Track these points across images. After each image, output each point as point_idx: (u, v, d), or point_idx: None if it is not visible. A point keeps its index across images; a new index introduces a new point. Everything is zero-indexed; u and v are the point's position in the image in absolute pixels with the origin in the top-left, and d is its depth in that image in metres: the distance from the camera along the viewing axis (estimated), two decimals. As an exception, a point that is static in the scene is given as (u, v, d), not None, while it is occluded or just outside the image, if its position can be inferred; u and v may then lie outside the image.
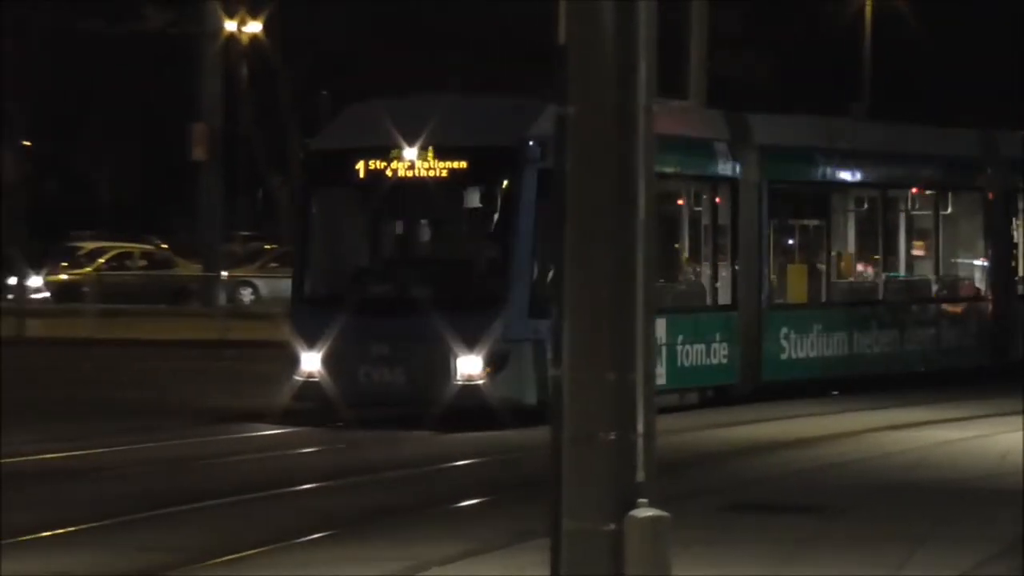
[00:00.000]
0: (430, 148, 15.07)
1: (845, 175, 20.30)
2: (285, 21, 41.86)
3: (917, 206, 21.91)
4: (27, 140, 52.51)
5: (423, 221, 16.49)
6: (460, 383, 14.51)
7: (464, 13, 43.68)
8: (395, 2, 45.13)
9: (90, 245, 46.26)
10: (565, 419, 4.56)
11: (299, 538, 9.88)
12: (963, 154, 22.57)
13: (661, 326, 15.45)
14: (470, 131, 15.45)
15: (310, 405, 15.76)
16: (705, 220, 18.16)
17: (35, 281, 40.97)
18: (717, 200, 18.08)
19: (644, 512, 4.49)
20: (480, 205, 15.82)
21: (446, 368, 14.54)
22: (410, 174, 15.11)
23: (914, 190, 21.58)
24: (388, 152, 15.21)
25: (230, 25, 37.43)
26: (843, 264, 20.69)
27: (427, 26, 44.97)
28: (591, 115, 4.54)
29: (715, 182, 18.01)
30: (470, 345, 14.40)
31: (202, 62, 38.70)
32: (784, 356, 18.70)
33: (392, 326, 14.90)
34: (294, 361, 15.26)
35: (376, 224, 16.43)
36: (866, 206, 20.87)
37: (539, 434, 15.33)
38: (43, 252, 46.10)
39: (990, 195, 22.44)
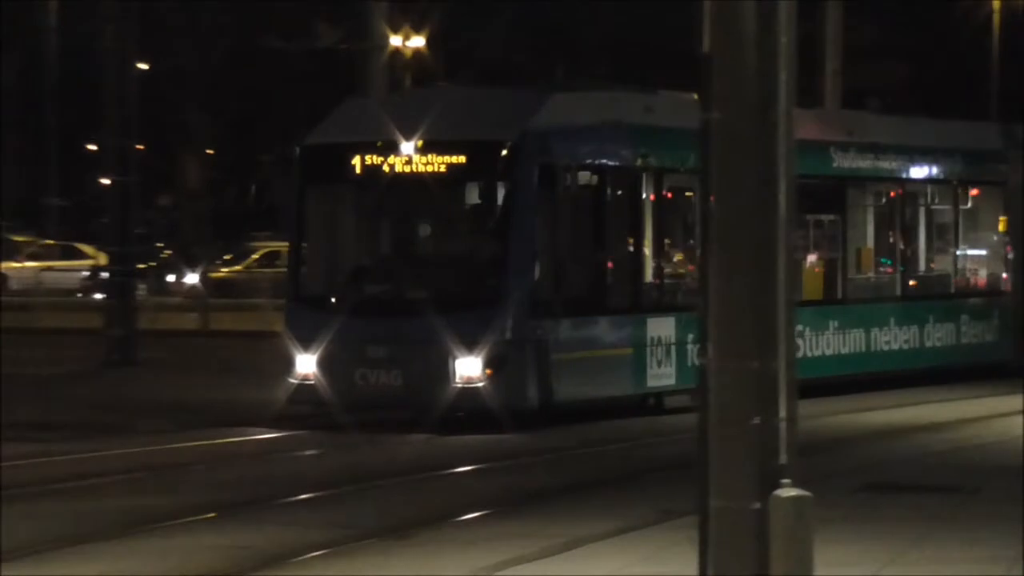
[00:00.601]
0: (426, 142, 14.03)
1: (862, 168, 18.83)
2: (447, 34, 42.79)
3: (936, 200, 20.52)
4: (210, 149, 55.46)
5: (420, 218, 15.37)
6: (459, 386, 13.53)
7: (614, 23, 43.89)
8: (551, 13, 45.64)
9: (263, 245, 48.35)
10: (711, 405, 4.69)
11: (458, 517, 10.24)
12: (984, 147, 21.06)
13: (670, 325, 14.92)
14: (469, 124, 14.44)
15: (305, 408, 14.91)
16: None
17: (191, 278, 42.94)
18: None
19: (787, 492, 4.62)
20: (479, 201, 14.87)
21: (445, 370, 13.56)
22: (406, 169, 14.09)
23: (933, 183, 20.21)
24: (383, 147, 14.21)
25: (395, 40, 38.68)
26: (861, 259, 19.42)
27: (579, 35, 45.33)
28: (734, 120, 4.67)
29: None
30: (469, 346, 13.43)
31: (369, 75, 39.95)
32: (799, 355, 17.08)
33: (389, 327, 13.94)
34: (289, 363, 14.34)
35: (372, 221, 15.42)
36: (884, 200, 19.51)
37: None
38: (223, 251, 48.68)
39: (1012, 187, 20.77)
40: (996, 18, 42.09)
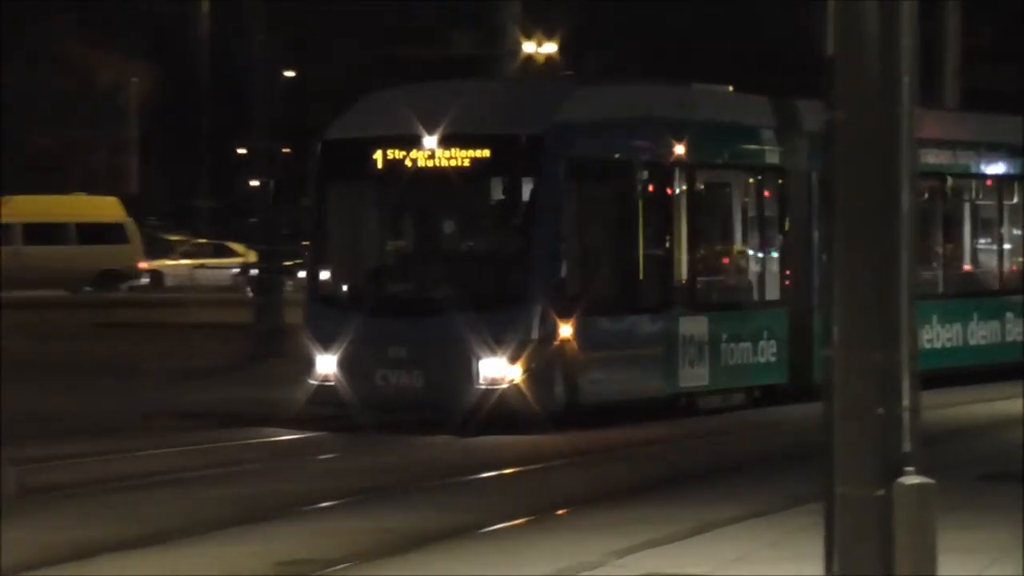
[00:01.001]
0: (448, 136, 13.05)
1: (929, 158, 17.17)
2: (578, 41, 43.06)
3: (980, 195, 19.23)
4: None
5: (443, 215, 14.35)
6: (483, 387, 12.67)
7: (737, 29, 43.60)
8: (673, 20, 45.54)
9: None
10: (836, 395, 4.74)
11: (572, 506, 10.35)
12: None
13: (704, 324, 14.33)
14: (494, 118, 13.57)
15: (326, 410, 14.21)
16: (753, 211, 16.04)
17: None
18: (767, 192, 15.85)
19: (911, 480, 4.66)
20: (503, 197, 13.93)
21: (468, 371, 12.73)
22: (428, 164, 13.16)
23: (976, 178, 18.85)
24: (404, 141, 13.31)
25: (528, 46, 39.02)
26: (935, 255, 18.28)
27: (702, 40, 45.08)
28: (857, 120, 4.73)
29: (764, 171, 15.75)
30: (493, 347, 12.58)
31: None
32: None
33: (410, 327, 13.05)
34: (309, 363, 13.62)
35: (394, 218, 14.53)
36: (926, 195, 17.55)
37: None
38: None
39: None
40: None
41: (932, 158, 17.34)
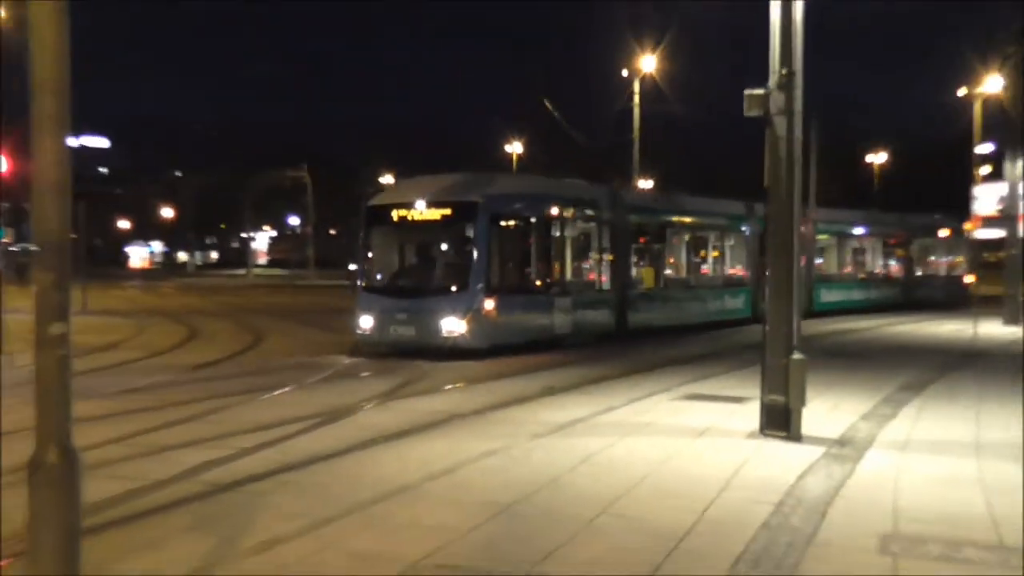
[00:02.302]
0: (430, 201, 21.26)
1: (674, 219, 28.68)
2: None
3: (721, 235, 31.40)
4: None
5: (428, 245, 22.27)
6: (446, 335, 20.16)
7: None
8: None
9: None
10: (768, 320, 10.88)
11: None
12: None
13: (569, 301, 23.33)
14: (455, 191, 21.52)
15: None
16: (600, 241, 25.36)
17: None
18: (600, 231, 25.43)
19: (797, 356, 10.83)
20: (460, 235, 21.35)
21: (438, 327, 20.19)
22: (420, 217, 21.30)
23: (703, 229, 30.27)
24: (408, 205, 21.49)
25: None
26: (675, 267, 29.22)
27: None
28: (777, 211, 10.82)
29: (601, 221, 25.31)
30: (451, 314, 20.18)
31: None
32: (639, 316, 26.16)
33: (408, 303, 20.72)
34: (356, 322, 21.43)
35: (402, 246, 22.62)
36: (687, 236, 29.40)
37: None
38: None
39: None
40: None
41: (698, 217, 29.78)
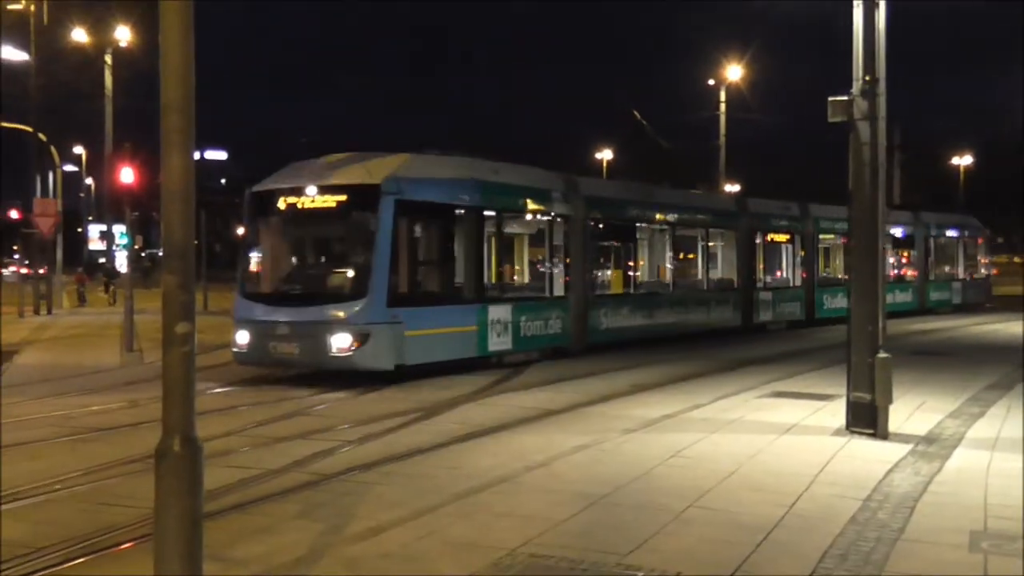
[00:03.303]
0: (323, 186, 16.26)
1: (643, 214, 23.59)
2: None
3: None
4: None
5: (317, 238, 17.34)
6: (335, 355, 15.29)
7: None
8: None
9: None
10: (852, 321, 10.60)
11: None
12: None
13: (507, 310, 18.51)
14: (352, 174, 16.42)
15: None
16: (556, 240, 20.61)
17: None
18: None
19: (883, 354, 10.52)
20: (357, 226, 16.32)
21: (325, 344, 15.32)
22: (310, 206, 16.32)
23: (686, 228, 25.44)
24: (296, 191, 16.47)
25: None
26: (650, 269, 24.74)
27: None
28: (860, 215, 10.54)
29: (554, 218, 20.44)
30: (341, 328, 15.30)
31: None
32: (603, 327, 21.52)
33: (290, 314, 15.81)
34: (233, 337, 16.65)
35: (286, 241, 17.34)
36: (665, 235, 24.55)
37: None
38: None
39: None
40: None
41: (677, 213, 24.75)
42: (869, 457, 9.73)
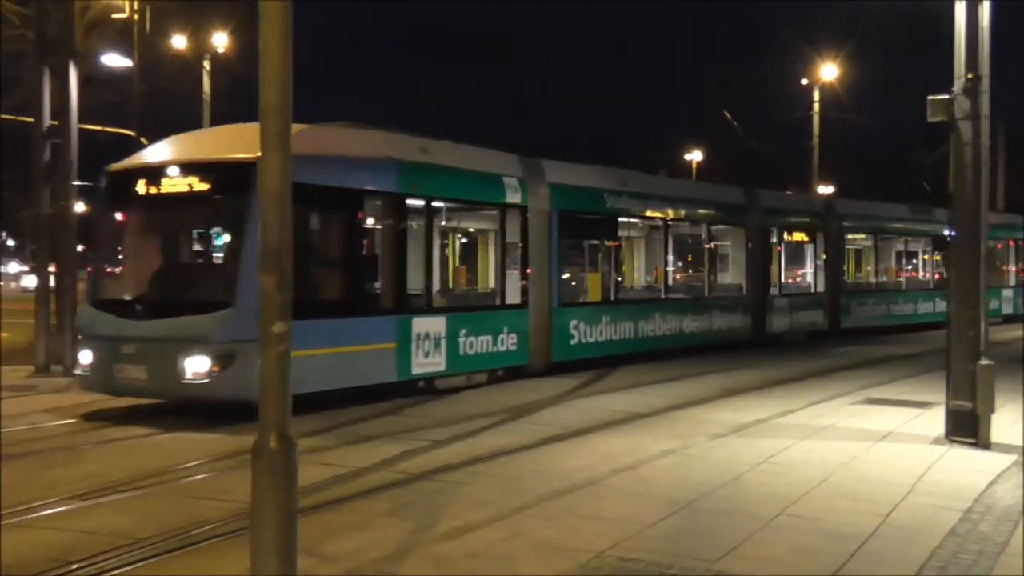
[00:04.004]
0: (186, 164, 12.82)
1: (629, 207, 19.79)
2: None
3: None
4: None
5: (176, 232, 13.89)
6: (190, 381, 11.91)
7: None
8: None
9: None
10: (952, 328, 10.30)
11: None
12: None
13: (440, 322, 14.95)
14: (224, 149, 12.82)
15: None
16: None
17: None
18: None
19: (984, 361, 10.23)
20: (223, 216, 13.08)
21: (177, 367, 11.95)
22: (172, 190, 12.88)
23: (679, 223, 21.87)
24: (157, 171, 13.05)
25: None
26: (637, 272, 21.83)
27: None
28: (962, 218, 10.23)
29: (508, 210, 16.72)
30: (199, 347, 11.92)
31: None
32: (574, 341, 17.79)
33: (141, 330, 12.40)
34: (77, 356, 13.64)
35: (143, 234, 13.89)
36: (656, 231, 21.28)
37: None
38: None
39: None
40: None
41: (672, 206, 21.00)
42: (970, 467, 9.45)
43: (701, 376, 17.45)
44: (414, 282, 14.79)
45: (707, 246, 22.17)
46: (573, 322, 17.80)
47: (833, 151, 45.49)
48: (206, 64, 29.82)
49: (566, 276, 18.27)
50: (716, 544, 6.74)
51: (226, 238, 13.19)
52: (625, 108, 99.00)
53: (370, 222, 14.27)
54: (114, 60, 24.64)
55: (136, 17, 23.59)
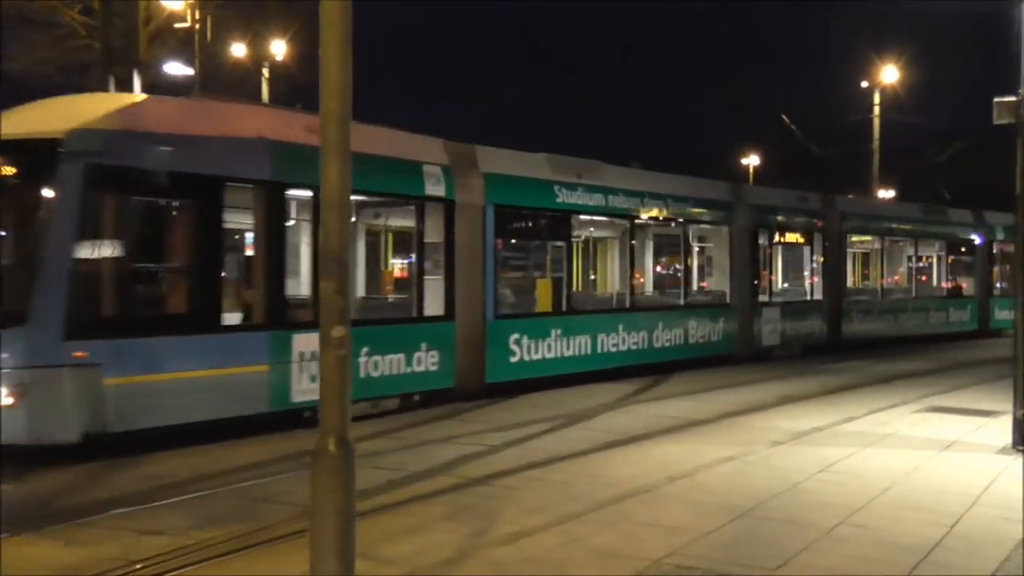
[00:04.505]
0: None
1: (586, 204, 16.92)
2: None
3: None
4: None
5: None
6: None
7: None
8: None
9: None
10: (1017, 342, 10.05)
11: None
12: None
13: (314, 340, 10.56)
14: (35, 124, 10.39)
15: None
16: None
17: None
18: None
19: None
20: (24, 205, 10.43)
21: None
22: None
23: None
24: None
25: None
26: (581, 280, 19.17)
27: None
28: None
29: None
30: None
31: None
32: (512, 359, 15.31)
33: None
34: None
35: None
36: (627, 232, 18.33)
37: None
38: None
39: None
40: None
41: (642, 202, 18.12)
42: (1038, 478, 9.23)
43: (759, 384, 17.28)
44: (296, 291, 12.47)
45: (684, 248, 19.61)
46: (514, 337, 15.27)
47: (892, 155, 44.75)
48: (265, 72, 30.32)
49: (505, 283, 16.00)
50: (775, 553, 6.67)
51: (26, 235, 10.47)
52: (674, 113, 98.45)
53: (234, 217, 11.88)
54: (176, 69, 25.16)
55: (197, 26, 24.07)
